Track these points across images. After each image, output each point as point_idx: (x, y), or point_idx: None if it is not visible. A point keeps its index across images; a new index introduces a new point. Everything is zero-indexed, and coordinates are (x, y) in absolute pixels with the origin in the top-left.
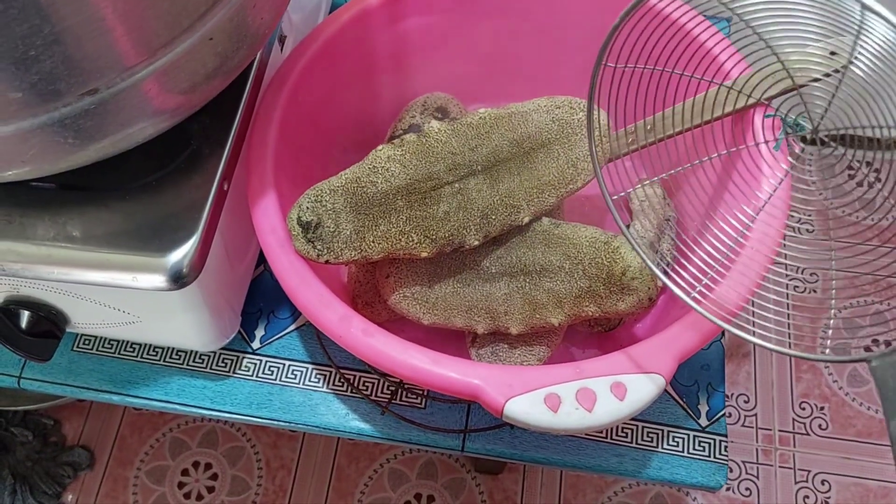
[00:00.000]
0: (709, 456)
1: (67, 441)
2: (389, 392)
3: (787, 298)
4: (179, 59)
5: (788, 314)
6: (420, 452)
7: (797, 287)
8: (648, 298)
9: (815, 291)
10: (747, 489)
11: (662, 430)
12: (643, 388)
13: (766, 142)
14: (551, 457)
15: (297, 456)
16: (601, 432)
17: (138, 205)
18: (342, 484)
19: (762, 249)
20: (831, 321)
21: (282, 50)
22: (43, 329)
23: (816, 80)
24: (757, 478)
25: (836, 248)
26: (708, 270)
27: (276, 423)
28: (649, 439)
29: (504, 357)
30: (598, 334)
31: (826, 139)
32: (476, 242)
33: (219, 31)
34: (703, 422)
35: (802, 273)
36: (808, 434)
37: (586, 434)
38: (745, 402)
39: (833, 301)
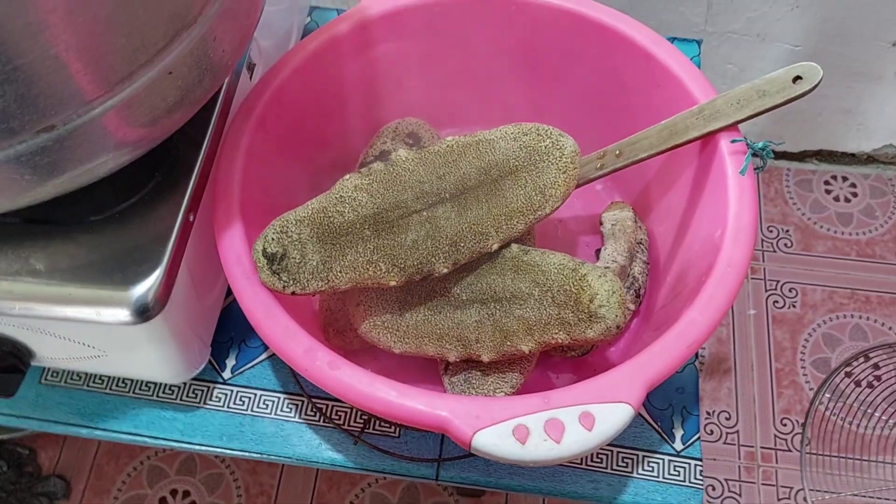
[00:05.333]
0: (684, 481)
1: (43, 470)
2: (362, 421)
3: (768, 314)
4: (139, 94)
5: (769, 328)
6: None
7: (777, 302)
8: (616, 326)
9: (794, 307)
10: None
11: (637, 455)
12: (611, 418)
13: (733, 167)
14: (526, 484)
15: (277, 482)
16: (576, 458)
17: (103, 237)
18: None
19: (731, 273)
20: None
21: (251, 78)
22: (6, 364)
23: (782, 104)
24: (739, 495)
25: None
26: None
27: (247, 454)
28: (624, 464)
29: (477, 385)
30: (573, 359)
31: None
32: (445, 270)
33: (179, 64)
34: (678, 446)
35: (781, 288)
36: (789, 450)
37: None
38: (727, 418)
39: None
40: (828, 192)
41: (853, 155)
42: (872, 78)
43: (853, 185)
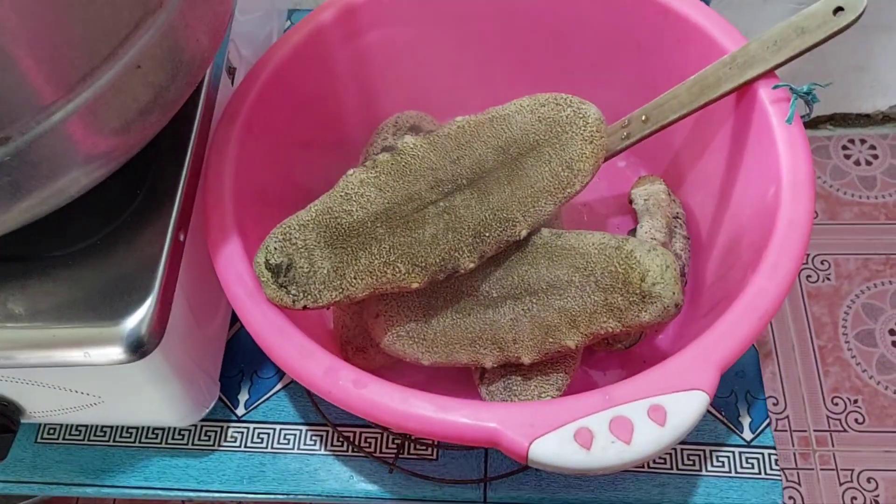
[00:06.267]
0: (759, 473)
1: None
2: (395, 446)
3: (802, 290)
4: (105, 94)
5: (805, 305)
6: None
7: (809, 277)
8: (675, 305)
9: (828, 279)
10: (791, 497)
11: (704, 451)
12: (685, 409)
13: (777, 117)
14: (584, 496)
15: None
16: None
17: (85, 269)
18: None
19: (794, 232)
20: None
21: (232, 83)
22: None
23: (824, 40)
24: (799, 484)
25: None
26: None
27: (272, 496)
28: (691, 462)
29: (519, 391)
30: (619, 352)
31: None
32: (471, 265)
33: (147, 57)
34: (748, 435)
35: (812, 261)
36: (845, 430)
37: None
38: (775, 404)
39: None
40: (847, 156)
41: (868, 116)
42: (884, 29)
43: (872, 147)
